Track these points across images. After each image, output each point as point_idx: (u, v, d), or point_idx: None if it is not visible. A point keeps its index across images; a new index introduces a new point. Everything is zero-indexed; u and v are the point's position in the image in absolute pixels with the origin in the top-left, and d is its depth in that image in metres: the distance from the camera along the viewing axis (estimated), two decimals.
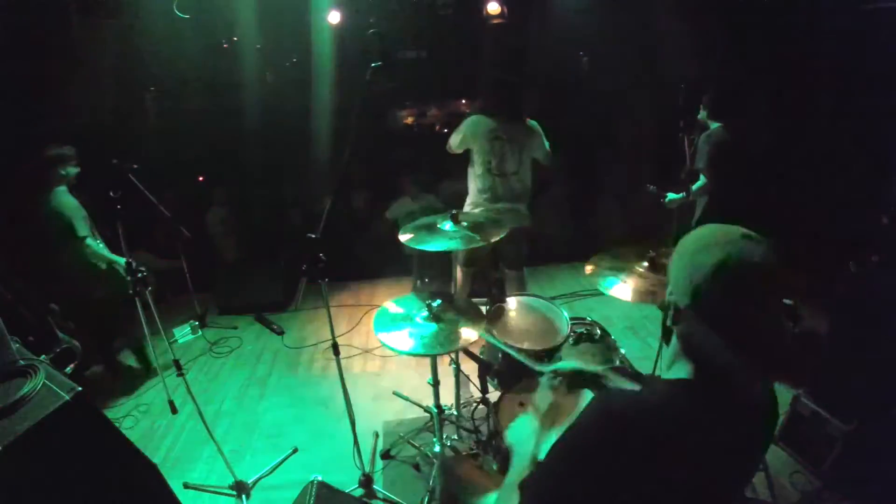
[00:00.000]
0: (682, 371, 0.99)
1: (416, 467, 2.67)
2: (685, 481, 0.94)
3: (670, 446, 0.92)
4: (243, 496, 2.50)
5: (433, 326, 2.13)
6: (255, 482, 2.62)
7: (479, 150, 3.23)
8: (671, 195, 3.48)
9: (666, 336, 1.05)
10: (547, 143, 3.32)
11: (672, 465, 0.93)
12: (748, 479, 1.09)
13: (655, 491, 0.93)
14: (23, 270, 3.32)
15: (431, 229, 2.43)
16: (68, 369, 3.11)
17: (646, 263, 2.08)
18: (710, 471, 0.97)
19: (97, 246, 3.23)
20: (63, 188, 3.15)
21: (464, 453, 2.60)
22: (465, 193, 3.47)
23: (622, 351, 2.49)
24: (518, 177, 3.28)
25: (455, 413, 2.81)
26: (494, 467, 2.10)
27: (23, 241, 3.38)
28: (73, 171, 3.18)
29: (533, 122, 3.28)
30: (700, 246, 0.94)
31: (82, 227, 3.14)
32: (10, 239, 3.43)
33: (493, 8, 4.81)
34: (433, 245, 2.30)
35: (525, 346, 2.32)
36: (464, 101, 6.77)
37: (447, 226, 2.43)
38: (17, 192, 3.33)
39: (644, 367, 2.61)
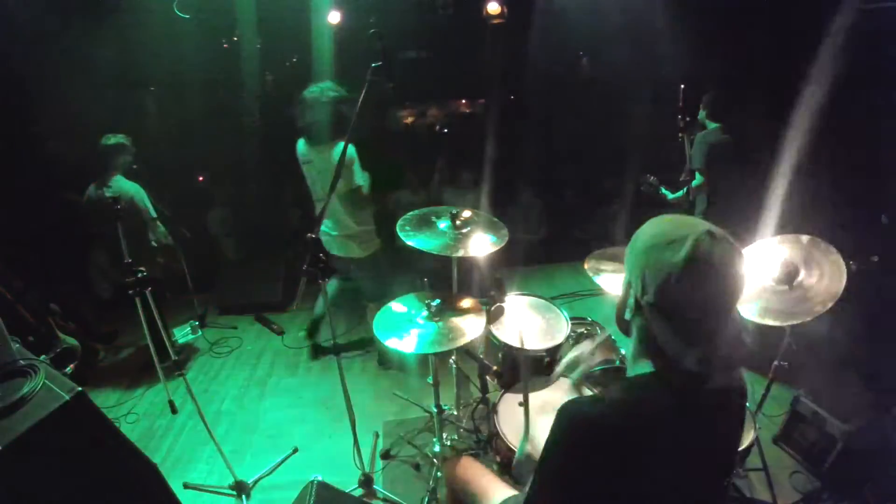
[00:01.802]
0: (645, 367, 0.99)
1: (416, 467, 2.67)
2: (661, 475, 0.94)
3: (639, 443, 0.93)
4: (243, 496, 2.50)
5: (433, 326, 2.12)
6: (255, 482, 2.62)
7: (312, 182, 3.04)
8: (669, 195, 3.49)
9: (624, 330, 1.06)
10: (358, 175, 2.91)
11: (645, 461, 0.93)
12: (729, 469, 1.08)
13: (635, 489, 0.94)
14: (35, 268, 3.36)
15: (429, 228, 2.44)
16: (68, 369, 3.12)
17: None
18: (685, 462, 0.97)
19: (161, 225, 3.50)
20: (121, 175, 3.31)
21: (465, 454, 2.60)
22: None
23: (622, 351, 2.49)
24: (331, 204, 2.93)
25: (455, 413, 2.81)
26: (495, 467, 2.09)
27: (53, 236, 3.55)
28: (129, 159, 3.36)
29: (341, 148, 2.73)
30: (662, 241, 0.92)
31: (153, 209, 3.39)
32: (22, 237, 3.46)
33: (493, 8, 4.81)
34: (429, 244, 2.30)
35: (525, 346, 2.32)
36: (463, 101, 6.78)
37: (444, 225, 2.44)
38: (58, 187, 3.58)
39: None
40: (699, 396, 0.96)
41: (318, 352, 3.78)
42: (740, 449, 1.98)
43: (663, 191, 3.56)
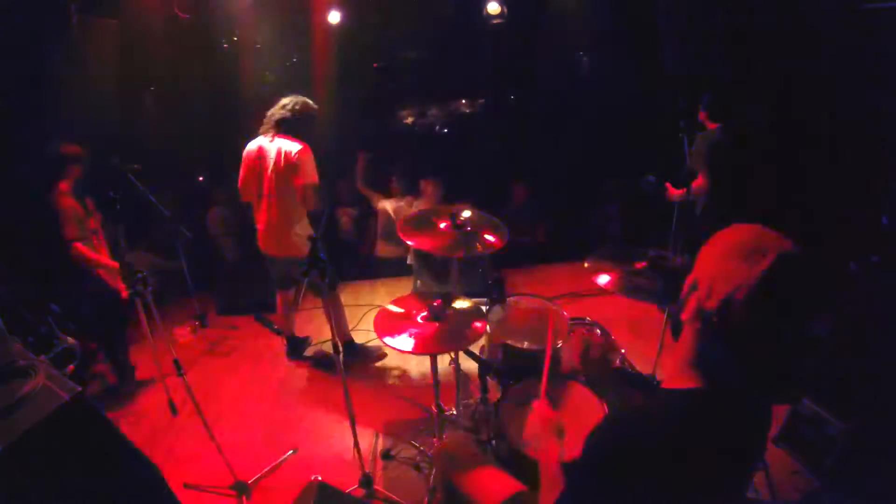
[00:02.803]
0: (689, 380, 0.95)
1: (416, 467, 2.67)
2: (691, 491, 0.93)
3: (677, 461, 0.90)
4: (243, 496, 2.50)
5: (434, 326, 2.12)
6: (255, 482, 2.62)
7: (254, 177, 3.13)
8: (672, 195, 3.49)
9: (675, 331, 1.00)
10: (310, 172, 3.05)
11: (680, 478, 0.91)
12: (748, 482, 1.07)
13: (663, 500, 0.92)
14: (24, 270, 3.30)
15: (429, 228, 2.44)
16: (68, 369, 3.11)
17: (644, 263, 2.09)
18: (714, 478, 0.96)
19: (90, 249, 3.14)
20: (66, 189, 3.10)
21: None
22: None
23: (622, 351, 2.49)
24: (276, 199, 3.10)
25: (455, 413, 2.81)
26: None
27: (29, 239, 3.34)
28: (79, 170, 3.14)
29: (293, 145, 3.02)
30: (742, 251, 0.87)
31: (72, 230, 3.05)
32: (15, 237, 3.42)
33: (493, 8, 4.81)
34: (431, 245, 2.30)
35: (525, 346, 2.32)
36: (464, 101, 6.77)
37: (444, 225, 2.43)
38: (28, 189, 3.26)
39: (644, 367, 2.61)
40: (740, 415, 0.94)
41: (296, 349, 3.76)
42: None
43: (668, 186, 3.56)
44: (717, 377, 0.91)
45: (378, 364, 3.61)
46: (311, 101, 3.13)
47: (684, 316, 0.95)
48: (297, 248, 3.13)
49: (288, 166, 3.01)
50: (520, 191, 5.34)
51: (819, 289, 0.86)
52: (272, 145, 3.06)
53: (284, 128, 3.05)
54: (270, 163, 3.05)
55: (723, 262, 0.89)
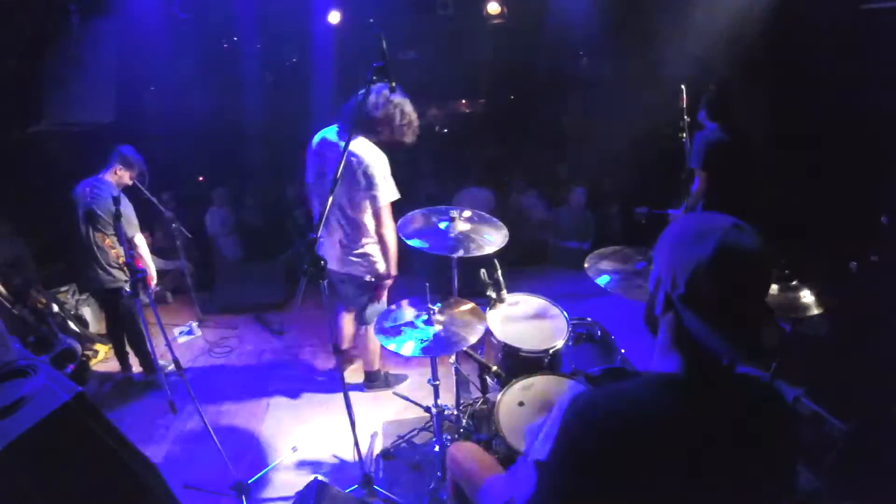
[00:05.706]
0: (670, 364, 0.99)
1: (416, 467, 2.67)
2: (673, 478, 0.93)
3: (649, 442, 0.92)
4: (243, 496, 2.50)
5: (433, 328, 2.12)
6: (255, 482, 2.62)
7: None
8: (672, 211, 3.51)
9: (652, 327, 1.06)
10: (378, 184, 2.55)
11: (658, 461, 0.92)
12: (758, 488, 1.03)
13: (646, 490, 0.93)
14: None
15: (430, 229, 2.43)
16: (68, 369, 3.12)
17: (645, 262, 2.09)
18: (701, 470, 0.95)
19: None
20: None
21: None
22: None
23: (622, 351, 2.49)
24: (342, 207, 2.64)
25: (455, 413, 2.81)
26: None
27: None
28: (127, 181, 3.20)
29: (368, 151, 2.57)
30: (691, 236, 0.94)
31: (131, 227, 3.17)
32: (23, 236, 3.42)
33: (493, 8, 4.82)
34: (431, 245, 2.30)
35: (525, 346, 2.32)
36: (464, 101, 6.78)
37: (444, 226, 2.43)
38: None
39: (644, 368, 2.61)
40: (725, 400, 0.96)
41: None
42: None
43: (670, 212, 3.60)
44: (698, 349, 0.95)
45: (378, 364, 3.61)
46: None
47: (658, 311, 1.02)
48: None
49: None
50: (578, 196, 5.19)
51: (770, 258, 0.92)
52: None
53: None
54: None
55: (677, 250, 0.96)
